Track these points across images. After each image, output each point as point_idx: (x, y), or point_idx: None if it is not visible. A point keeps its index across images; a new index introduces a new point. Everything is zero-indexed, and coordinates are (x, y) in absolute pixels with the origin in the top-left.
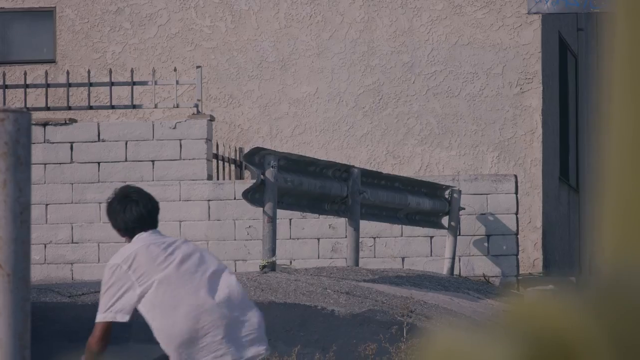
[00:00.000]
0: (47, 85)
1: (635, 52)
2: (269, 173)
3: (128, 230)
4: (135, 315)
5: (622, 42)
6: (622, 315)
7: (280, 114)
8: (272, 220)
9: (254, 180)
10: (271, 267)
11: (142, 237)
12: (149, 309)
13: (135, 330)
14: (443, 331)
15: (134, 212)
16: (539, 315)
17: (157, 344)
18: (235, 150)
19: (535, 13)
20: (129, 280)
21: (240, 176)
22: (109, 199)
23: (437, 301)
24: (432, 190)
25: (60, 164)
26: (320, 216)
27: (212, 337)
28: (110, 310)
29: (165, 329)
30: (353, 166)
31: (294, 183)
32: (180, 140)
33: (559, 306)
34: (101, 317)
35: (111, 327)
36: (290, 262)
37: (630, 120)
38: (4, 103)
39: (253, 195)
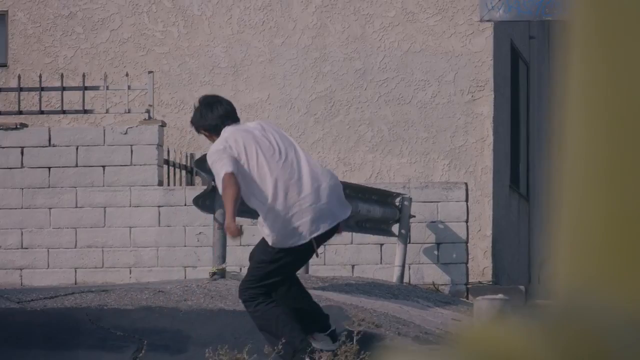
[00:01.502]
0: None
1: (590, 61)
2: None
3: (217, 127)
4: (86, 319)
5: (577, 51)
6: (575, 341)
7: None
8: (223, 227)
9: (205, 186)
10: (221, 274)
11: (229, 129)
12: (241, 178)
13: (83, 337)
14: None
15: (220, 110)
16: (490, 337)
17: (105, 349)
18: (187, 156)
19: (487, 21)
20: (231, 153)
21: (191, 182)
22: (194, 110)
23: (386, 309)
24: (383, 197)
25: (10, 168)
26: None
27: (299, 207)
28: (223, 167)
29: (259, 197)
30: None
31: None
32: (131, 145)
33: (511, 329)
34: (221, 173)
35: (232, 175)
36: (240, 269)
37: (584, 133)
38: None
39: (204, 202)
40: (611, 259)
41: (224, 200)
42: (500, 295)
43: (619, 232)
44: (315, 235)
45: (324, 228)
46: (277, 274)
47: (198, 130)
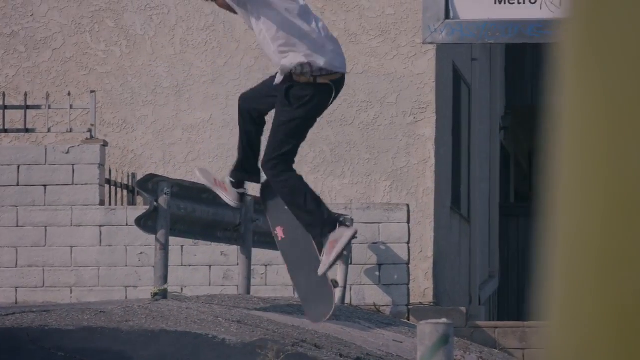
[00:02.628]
0: None
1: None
2: (162, 200)
3: None
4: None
5: (571, 70)
6: None
7: (174, 140)
8: (165, 247)
9: (147, 206)
10: (163, 294)
11: None
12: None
13: (24, 358)
14: None
15: None
16: None
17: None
18: (128, 175)
19: (430, 43)
20: None
21: (132, 202)
22: None
23: (328, 330)
24: None
25: None
26: (212, 243)
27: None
28: None
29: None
30: (246, 194)
31: (187, 210)
32: (73, 165)
33: None
34: None
35: None
36: (182, 289)
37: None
38: None
39: (146, 223)
40: (603, 330)
41: None
42: (444, 320)
43: (612, 303)
44: (338, 71)
45: (341, 70)
46: (298, 133)
47: None
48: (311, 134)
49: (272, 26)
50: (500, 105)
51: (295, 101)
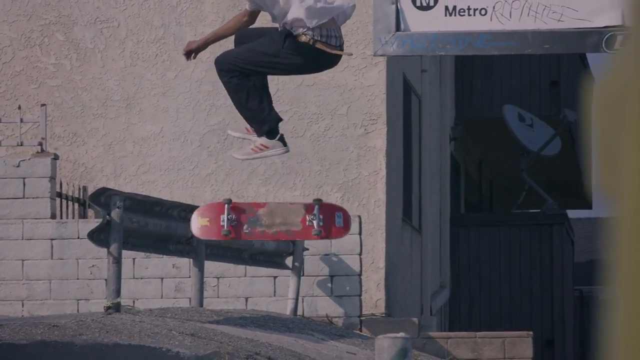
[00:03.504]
0: None
1: None
2: (115, 214)
3: None
4: None
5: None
6: None
7: (125, 153)
8: (118, 261)
9: (98, 220)
10: (116, 308)
11: None
12: None
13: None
14: None
15: None
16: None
17: None
18: (79, 189)
19: (381, 55)
20: None
21: (84, 215)
22: None
23: (281, 343)
24: None
25: None
26: (164, 256)
27: None
28: None
29: None
30: (199, 207)
31: (139, 224)
32: (23, 178)
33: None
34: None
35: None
36: (134, 302)
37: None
38: None
39: (98, 236)
40: None
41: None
42: (402, 334)
43: None
44: (334, 45)
45: (337, 47)
46: (268, 67)
47: None
48: None
49: None
50: (450, 116)
51: (288, 48)
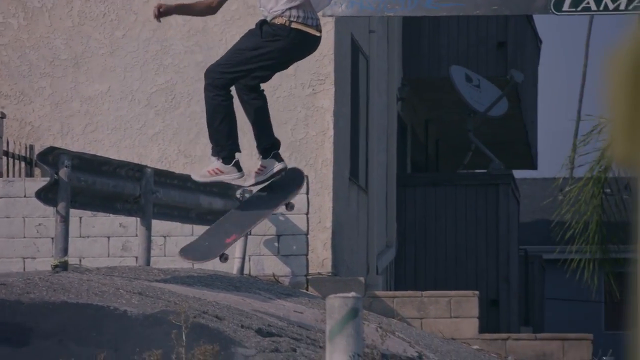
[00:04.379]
0: None
1: None
2: (63, 173)
3: None
4: None
5: None
6: None
7: (72, 112)
8: (65, 220)
9: (45, 178)
10: (63, 266)
11: None
12: None
13: None
14: None
15: None
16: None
17: None
18: (26, 147)
19: (329, 16)
20: None
21: (30, 174)
22: None
23: (229, 302)
24: (224, 189)
25: None
26: (111, 214)
27: None
28: None
29: None
30: (146, 166)
31: (87, 182)
32: None
33: None
34: None
35: None
36: (80, 261)
37: None
38: None
39: (46, 195)
40: None
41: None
42: (352, 293)
43: None
44: (312, 25)
45: (315, 27)
46: (252, 63)
47: None
48: None
49: None
50: (397, 77)
51: (266, 35)
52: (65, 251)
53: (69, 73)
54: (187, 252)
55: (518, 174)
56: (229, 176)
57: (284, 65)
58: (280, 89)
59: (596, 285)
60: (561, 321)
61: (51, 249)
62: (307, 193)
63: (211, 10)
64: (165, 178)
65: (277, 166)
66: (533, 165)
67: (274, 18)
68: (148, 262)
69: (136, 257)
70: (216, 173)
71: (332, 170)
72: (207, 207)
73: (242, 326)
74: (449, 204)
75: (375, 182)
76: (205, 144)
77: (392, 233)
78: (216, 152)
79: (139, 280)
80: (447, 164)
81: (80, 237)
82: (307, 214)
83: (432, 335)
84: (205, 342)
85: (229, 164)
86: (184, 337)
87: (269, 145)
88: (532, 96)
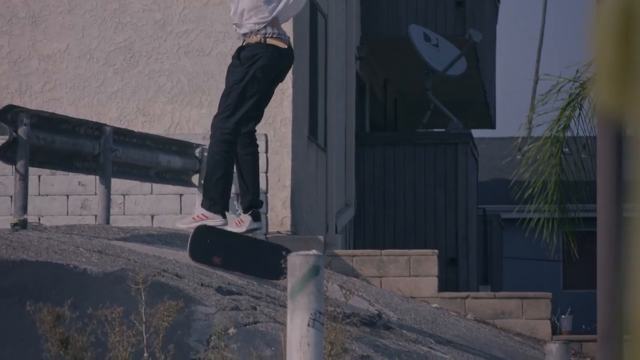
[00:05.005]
0: None
1: None
2: (22, 131)
3: None
4: None
5: None
6: None
7: (30, 70)
8: (24, 178)
9: (4, 137)
10: (22, 224)
11: None
12: None
13: None
14: None
15: None
16: None
17: None
18: None
19: None
20: None
21: None
22: None
23: (188, 260)
24: (183, 148)
25: None
26: (70, 173)
27: None
28: None
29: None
30: (105, 124)
31: (46, 141)
32: None
33: None
34: None
35: None
36: (39, 219)
37: None
38: None
39: (5, 153)
40: None
41: None
42: (314, 251)
43: None
44: (286, 41)
45: (288, 42)
46: (251, 94)
47: None
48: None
49: None
50: (355, 36)
51: (246, 60)
52: (24, 209)
53: (27, 31)
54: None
55: (476, 133)
56: (214, 222)
57: (271, 86)
58: None
59: (555, 244)
60: (520, 280)
61: (10, 208)
62: (266, 152)
63: None
64: (124, 136)
65: (252, 225)
66: (491, 125)
67: (249, 38)
68: (107, 221)
69: (95, 216)
70: (201, 218)
71: (291, 129)
72: (166, 165)
73: (202, 284)
74: (407, 163)
75: (334, 141)
76: (164, 103)
77: (351, 192)
78: (207, 206)
79: (99, 239)
80: (405, 123)
81: (39, 195)
82: (266, 172)
83: (391, 294)
84: (166, 300)
85: (215, 213)
86: (143, 296)
87: (252, 204)
88: (491, 55)
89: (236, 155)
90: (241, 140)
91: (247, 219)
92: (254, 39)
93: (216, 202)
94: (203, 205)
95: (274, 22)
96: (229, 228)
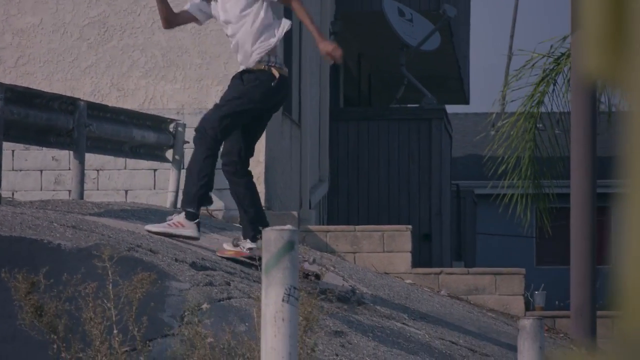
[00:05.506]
0: None
1: None
2: None
3: None
4: None
5: None
6: None
7: (4, 45)
8: None
9: None
10: None
11: None
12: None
13: None
14: None
15: None
16: None
17: None
18: None
19: None
20: None
21: None
22: None
23: (162, 235)
24: (157, 123)
25: None
26: (44, 148)
27: None
28: None
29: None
30: (79, 99)
31: (20, 115)
32: None
33: None
34: None
35: None
36: (13, 194)
37: None
38: None
39: None
40: None
41: (307, 17)
42: (288, 226)
43: None
44: (285, 69)
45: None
46: (242, 113)
47: None
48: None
49: (265, 19)
50: (330, 11)
51: (248, 82)
52: None
53: (1, 5)
54: None
55: (450, 108)
56: (188, 232)
57: (266, 113)
58: (213, 23)
59: (528, 220)
60: (492, 256)
61: None
62: None
63: (167, 23)
64: (98, 111)
65: (194, 234)
66: (465, 100)
67: (253, 66)
68: (81, 196)
69: (69, 191)
70: (177, 226)
71: None
72: (140, 140)
73: (176, 260)
74: (381, 139)
75: (308, 116)
76: (138, 77)
77: (325, 167)
78: (185, 204)
79: (73, 214)
80: (379, 99)
81: (13, 170)
82: None
83: (365, 270)
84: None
85: (193, 221)
86: (116, 270)
87: (199, 209)
88: (465, 31)
89: (233, 185)
90: (236, 172)
91: (188, 224)
92: (258, 66)
93: (193, 198)
94: (182, 204)
95: (275, 50)
96: (162, 227)
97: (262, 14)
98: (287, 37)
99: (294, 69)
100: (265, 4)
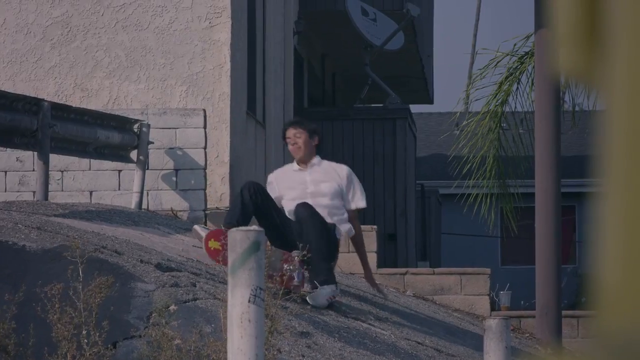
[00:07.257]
0: None
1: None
2: None
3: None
4: None
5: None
6: None
7: None
8: None
9: None
10: None
11: None
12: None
13: None
14: None
15: None
16: None
17: None
18: None
19: None
20: None
21: None
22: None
23: (128, 236)
24: (121, 124)
25: None
26: (8, 149)
27: None
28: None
29: None
30: (44, 100)
31: None
32: None
33: None
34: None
35: None
36: None
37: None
38: None
39: None
40: None
41: (363, 250)
42: (254, 227)
43: None
44: None
45: None
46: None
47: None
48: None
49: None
50: (293, 10)
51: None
52: None
53: None
54: None
55: (415, 108)
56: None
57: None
58: (177, 22)
59: (493, 220)
60: (458, 256)
61: None
62: (205, 127)
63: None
64: (62, 112)
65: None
66: (429, 100)
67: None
68: (46, 197)
69: (34, 192)
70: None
71: (229, 104)
72: (105, 141)
73: (141, 261)
74: (346, 138)
75: (272, 116)
76: (102, 78)
77: None
78: (316, 279)
79: (37, 215)
80: (343, 98)
81: None
82: (204, 148)
83: None
84: (104, 276)
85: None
86: (81, 272)
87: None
88: (428, 30)
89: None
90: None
91: (204, 232)
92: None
93: (231, 220)
94: (313, 278)
95: None
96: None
97: None
98: (251, 35)
99: (258, 68)
100: None
